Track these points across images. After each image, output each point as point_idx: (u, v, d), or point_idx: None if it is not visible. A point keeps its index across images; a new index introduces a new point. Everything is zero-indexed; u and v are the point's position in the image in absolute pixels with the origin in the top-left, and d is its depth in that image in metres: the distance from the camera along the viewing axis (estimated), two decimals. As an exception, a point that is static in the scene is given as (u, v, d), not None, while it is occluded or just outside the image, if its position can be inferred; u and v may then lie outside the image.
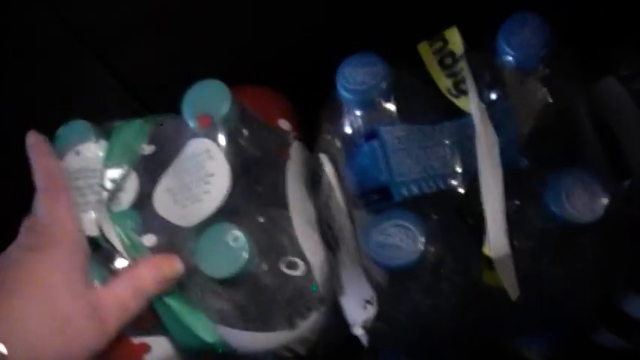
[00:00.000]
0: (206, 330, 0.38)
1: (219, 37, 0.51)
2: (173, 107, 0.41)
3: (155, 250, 0.39)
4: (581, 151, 0.38)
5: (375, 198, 0.37)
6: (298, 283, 0.39)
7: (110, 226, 0.38)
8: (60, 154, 0.40)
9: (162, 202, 0.39)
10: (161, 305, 0.38)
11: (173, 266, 0.38)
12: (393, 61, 0.38)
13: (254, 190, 0.40)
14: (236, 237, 0.36)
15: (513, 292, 0.35)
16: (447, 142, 0.38)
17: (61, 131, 0.41)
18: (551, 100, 0.38)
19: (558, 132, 0.38)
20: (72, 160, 0.41)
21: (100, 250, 0.39)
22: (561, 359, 0.47)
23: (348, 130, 0.39)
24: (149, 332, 0.40)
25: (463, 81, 0.38)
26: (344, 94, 0.37)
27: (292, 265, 0.39)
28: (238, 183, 0.39)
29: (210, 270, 0.36)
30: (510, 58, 0.37)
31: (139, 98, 0.55)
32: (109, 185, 0.40)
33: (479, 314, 0.38)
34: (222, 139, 0.39)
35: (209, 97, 0.38)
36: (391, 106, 0.38)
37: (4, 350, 0.32)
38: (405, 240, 0.33)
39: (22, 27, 0.47)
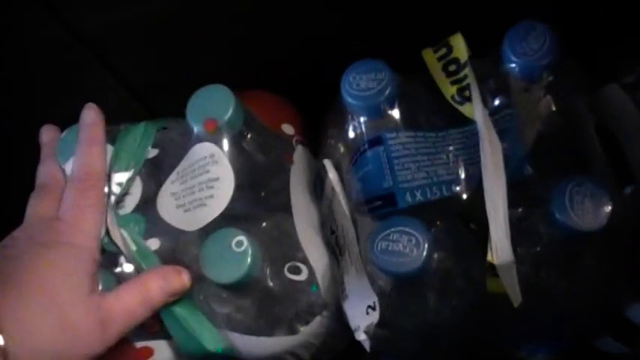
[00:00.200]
0: (209, 335, 0.38)
1: (223, 41, 0.51)
2: (175, 110, 0.41)
3: (159, 254, 0.39)
4: (586, 158, 0.38)
5: (379, 204, 0.37)
6: (302, 288, 0.39)
7: (117, 229, 0.38)
8: (64, 158, 0.40)
9: (166, 206, 0.40)
10: (164, 310, 0.38)
11: (182, 279, 0.38)
12: (397, 68, 0.38)
13: (258, 195, 0.40)
14: (240, 242, 0.36)
15: (516, 298, 0.35)
16: (451, 148, 0.38)
17: (65, 135, 0.41)
18: (555, 108, 0.38)
19: (562, 140, 0.38)
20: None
21: (104, 254, 0.39)
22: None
23: (352, 135, 0.39)
24: (152, 336, 0.40)
25: (467, 88, 0.38)
26: (349, 100, 0.37)
27: (296, 270, 0.39)
28: (242, 188, 0.39)
29: (214, 275, 0.36)
30: (515, 66, 0.37)
31: (141, 101, 0.55)
32: (115, 189, 0.40)
33: (482, 321, 0.38)
34: (226, 143, 0.39)
35: (214, 101, 0.38)
36: (395, 113, 0.38)
37: (2, 341, 0.31)
38: (409, 247, 0.34)
39: (22, 28, 0.47)
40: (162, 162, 0.41)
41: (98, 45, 0.49)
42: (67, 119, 0.42)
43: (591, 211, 0.33)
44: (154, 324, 0.39)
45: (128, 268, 0.39)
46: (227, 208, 0.38)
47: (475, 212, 0.36)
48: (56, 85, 0.52)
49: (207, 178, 0.38)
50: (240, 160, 0.39)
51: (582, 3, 0.46)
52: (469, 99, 0.38)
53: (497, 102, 0.38)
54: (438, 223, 0.37)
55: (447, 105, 0.39)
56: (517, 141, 0.37)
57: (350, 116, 0.39)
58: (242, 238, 0.36)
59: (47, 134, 0.42)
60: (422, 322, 0.37)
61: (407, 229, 0.34)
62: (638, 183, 0.40)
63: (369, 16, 0.48)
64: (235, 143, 0.39)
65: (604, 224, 0.33)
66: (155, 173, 0.41)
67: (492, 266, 0.34)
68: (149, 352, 0.40)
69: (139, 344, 0.40)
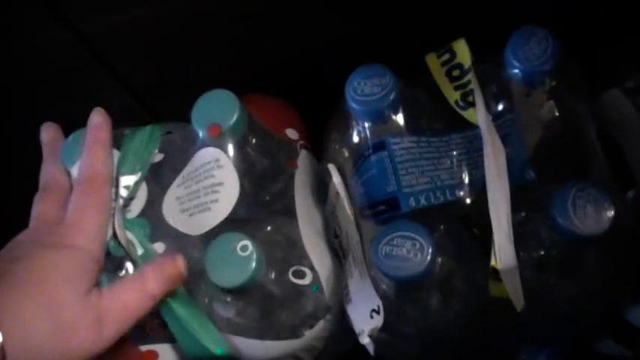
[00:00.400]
0: (212, 338, 0.38)
1: (226, 44, 0.51)
2: (176, 112, 0.41)
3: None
4: (587, 163, 0.38)
5: (383, 209, 0.37)
6: (305, 292, 0.39)
7: (124, 232, 0.38)
8: (70, 162, 0.40)
9: (171, 210, 0.40)
10: (168, 313, 0.38)
11: (177, 266, 0.37)
12: (401, 73, 0.38)
13: (262, 200, 0.40)
14: (244, 246, 0.36)
15: (519, 303, 0.35)
16: (454, 153, 0.38)
17: (71, 138, 0.41)
18: (557, 113, 0.38)
19: (564, 144, 0.38)
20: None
21: (108, 257, 0.39)
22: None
23: (356, 140, 0.39)
24: (157, 340, 0.40)
25: (471, 93, 0.38)
26: (352, 105, 0.38)
27: (300, 274, 0.39)
28: (246, 192, 0.39)
29: (219, 279, 0.36)
30: (517, 71, 0.37)
31: (142, 103, 0.55)
32: (123, 192, 0.40)
33: (485, 325, 0.39)
34: (230, 148, 0.39)
35: (218, 106, 0.39)
36: (399, 118, 0.38)
37: (0, 338, 0.32)
38: (413, 251, 0.34)
39: (23, 29, 0.47)
40: (166, 166, 0.41)
41: (99, 46, 0.49)
42: (68, 120, 0.42)
43: (593, 216, 0.33)
44: (158, 328, 0.39)
45: (133, 271, 0.39)
46: (231, 213, 0.38)
47: (478, 217, 0.36)
48: (57, 87, 0.52)
49: (212, 183, 0.39)
50: (245, 164, 0.39)
51: (582, 4, 0.46)
52: (472, 104, 0.38)
53: (499, 107, 0.38)
54: (442, 227, 0.37)
55: (451, 110, 0.39)
56: (519, 146, 0.37)
57: (354, 121, 0.39)
58: (246, 242, 0.36)
59: (47, 133, 0.42)
60: (425, 326, 0.38)
61: (410, 234, 0.34)
62: (639, 187, 0.40)
63: (373, 21, 0.48)
64: (240, 148, 0.39)
65: (606, 229, 0.33)
66: (160, 177, 0.41)
67: (495, 270, 0.35)
68: (153, 355, 0.40)
69: (144, 348, 0.40)
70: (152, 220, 0.40)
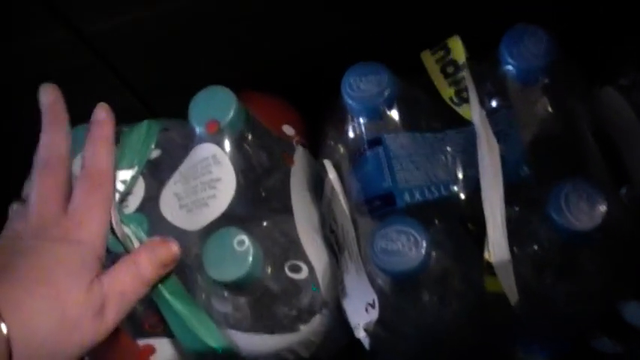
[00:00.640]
0: (210, 332, 0.39)
1: (224, 43, 0.51)
2: (176, 111, 0.41)
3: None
4: (582, 159, 0.38)
5: (379, 204, 0.38)
6: (302, 286, 0.39)
7: (121, 227, 0.39)
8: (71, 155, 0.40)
9: (169, 206, 0.40)
10: (166, 308, 0.39)
11: (169, 249, 0.38)
12: (396, 70, 0.38)
13: (259, 195, 0.40)
14: (241, 241, 0.36)
15: (513, 297, 0.36)
16: (449, 149, 0.39)
17: (74, 133, 0.41)
18: (551, 110, 0.38)
19: (559, 141, 0.38)
20: (79, 165, 0.41)
21: (107, 254, 0.39)
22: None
23: (352, 136, 0.40)
24: (154, 334, 0.40)
25: (465, 89, 0.38)
26: (348, 101, 0.38)
27: (296, 269, 0.39)
28: (244, 188, 0.39)
29: (216, 274, 0.36)
30: (512, 68, 0.37)
31: (143, 101, 0.55)
32: (120, 186, 0.40)
33: (482, 323, 0.39)
34: (228, 144, 0.39)
35: (215, 103, 0.39)
36: (394, 114, 0.38)
37: (5, 330, 0.32)
38: (408, 246, 0.34)
39: (24, 29, 0.47)
40: (164, 162, 0.42)
41: (100, 46, 0.49)
42: (70, 120, 0.42)
43: (586, 211, 0.33)
44: (156, 322, 0.40)
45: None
46: (229, 208, 0.39)
47: (473, 212, 0.36)
48: (58, 86, 0.52)
49: (210, 179, 0.39)
50: (242, 160, 0.39)
51: (581, 3, 0.46)
52: (467, 100, 0.38)
53: (494, 103, 0.39)
54: (437, 222, 0.37)
55: (445, 106, 0.39)
56: (514, 142, 0.37)
57: (350, 117, 0.39)
58: (243, 237, 0.36)
59: (47, 95, 0.39)
60: (420, 322, 0.38)
61: (406, 229, 0.34)
62: (634, 184, 0.41)
63: (369, 19, 0.48)
64: (237, 144, 0.39)
65: (599, 224, 0.33)
66: (157, 173, 0.41)
67: (490, 265, 0.35)
68: (151, 349, 0.40)
69: (141, 342, 0.40)
70: (150, 215, 0.40)
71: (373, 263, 0.35)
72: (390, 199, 0.37)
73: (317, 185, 0.43)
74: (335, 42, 0.49)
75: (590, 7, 0.46)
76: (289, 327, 0.39)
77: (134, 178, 0.41)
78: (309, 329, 0.40)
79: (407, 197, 0.37)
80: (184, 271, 0.39)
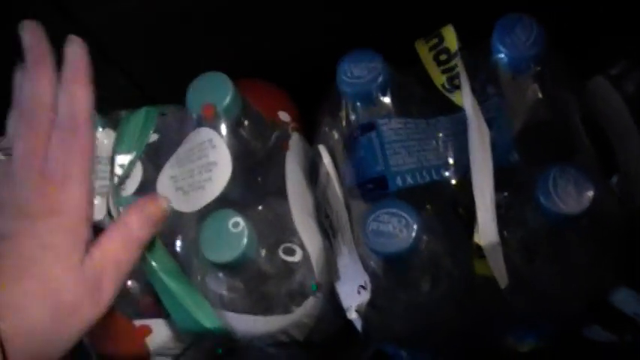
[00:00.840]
0: (205, 313, 0.39)
1: (221, 31, 0.51)
2: (173, 98, 0.42)
3: (158, 234, 0.39)
4: (571, 146, 0.39)
5: (371, 187, 0.38)
6: (296, 269, 0.40)
7: (118, 210, 0.39)
8: None
9: (166, 188, 0.40)
10: (162, 289, 0.39)
11: (158, 205, 0.37)
12: (391, 57, 0.39)
13: (254, 180, 0.41)
14: (237, 223, 0.37)
15: (502, 280, 0.36)
16: (440, 135, 0.39)
17: None
18: (542, 98, 0.39)
19: (548, 128, 0.39)
20: None
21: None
22: (552, 353, 0.48)
23: (346, 122, 0.40)
24: (150, 315, 0.41)
25: (457, 76, 0.39)
26: (343, 87, 0.38)
27: (290, 252, 0.40)
28: (239, 172, 0.40)
29: (211, 255, 0.37)
30: (503, 56, 0.38)
31: (141, 89, 0.56)
32: (118, 170, 0.41)
33: (470, 305, 0.39)
34: (224, 129, 0.40)
35: (212, 88, 0.39)
36: (387, 100, 0.39)
37: None
38: (399, 227, 0.34)
39: (22, 18, 0.47)
40: (161, 147, 0.42)
41: (98, 34, 0.49)
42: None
43: (574, 196, 0.34)
44: (152, 303, 0.40)
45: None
46: (224, 192, 0.39)
47: (463, 196, 0.37)
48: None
49: (206, 162, 0.40)
50: (238, 145, 0.40)
51: (582, 3, 0.47)
52: (459, 87, 0.39)
53: (486, 91, 0.39)
54: (428, 206, 0.38)
55: (438, 93, 0.40)
56: (504, 129, 0.38)
57: (344, 103, 0.40)
58: (238, 219, 0.37)
59: (30, 33, 0.35)
60: (411, 303, 0.38)
61: (397, 211, 0.35)
62: (623, 172, 0.41)
63: (365, 8, 0.48)
64: (233, 129, 0.40)
65: (586, 208, 0.34)
66: (155, 157, 0.42)
67: (479, 248, 0.35)
68: (147, 330, 0.41)
69: (137, 323, 0.41)
70: (147, 197, 0.41)
71: (365, 245, 0.35)
72: (383, 183, 0.38)
73: (312, 171, 0.43)
74: (329, 30, 0.49)
75: (589, 7, 0.47)
76: (283, 309, 0.40)
77: (132, 163, 0.41)
78: (303, 312, 0.41)
79: (399, 181, 0.37)
80: (179, 252, 0.40)
